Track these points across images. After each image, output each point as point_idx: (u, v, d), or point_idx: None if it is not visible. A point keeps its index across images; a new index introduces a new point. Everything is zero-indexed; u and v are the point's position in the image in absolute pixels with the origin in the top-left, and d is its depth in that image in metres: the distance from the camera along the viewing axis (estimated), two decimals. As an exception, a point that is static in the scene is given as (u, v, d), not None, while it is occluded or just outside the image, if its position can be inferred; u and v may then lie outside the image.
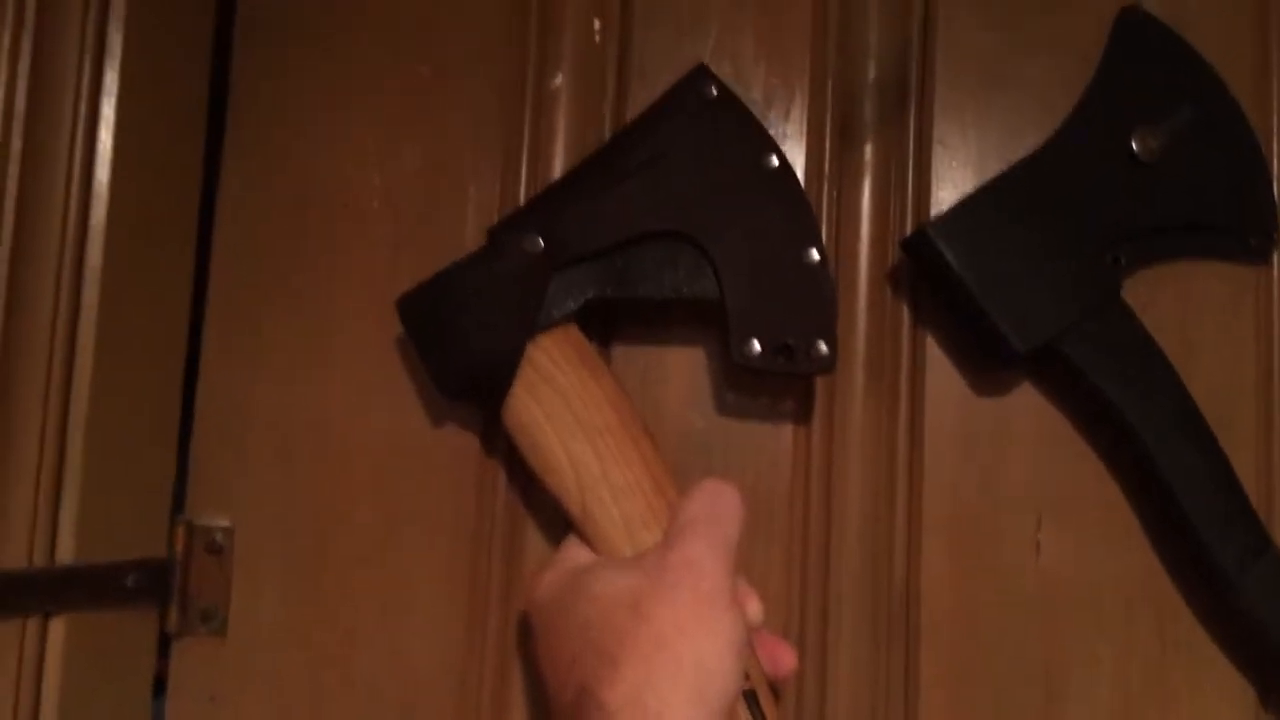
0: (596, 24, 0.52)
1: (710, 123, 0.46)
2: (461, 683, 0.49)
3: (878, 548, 0.49)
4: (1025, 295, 0.46)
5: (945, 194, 0.50)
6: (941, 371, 0.50)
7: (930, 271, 0.47)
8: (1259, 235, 0.49)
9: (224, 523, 0.51)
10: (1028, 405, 0.50)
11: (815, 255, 0.45)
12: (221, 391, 0.51)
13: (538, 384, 0.44)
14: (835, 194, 0.51)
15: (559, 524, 0.46)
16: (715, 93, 0.46)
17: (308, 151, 0.52)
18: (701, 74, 0.47)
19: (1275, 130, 0.51)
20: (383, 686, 0.49)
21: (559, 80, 0.51)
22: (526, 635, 0.47)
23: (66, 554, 0.45)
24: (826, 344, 0.44)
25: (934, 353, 0.50)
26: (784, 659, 0.44)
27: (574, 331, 0.45)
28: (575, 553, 0.43)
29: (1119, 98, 0.48)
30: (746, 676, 0.41)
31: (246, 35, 0.53)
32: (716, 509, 0.41)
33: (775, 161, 0.45)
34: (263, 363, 0.51)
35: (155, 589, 0.50)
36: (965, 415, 0.50)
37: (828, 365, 0.45)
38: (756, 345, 0.45)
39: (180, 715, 0.50)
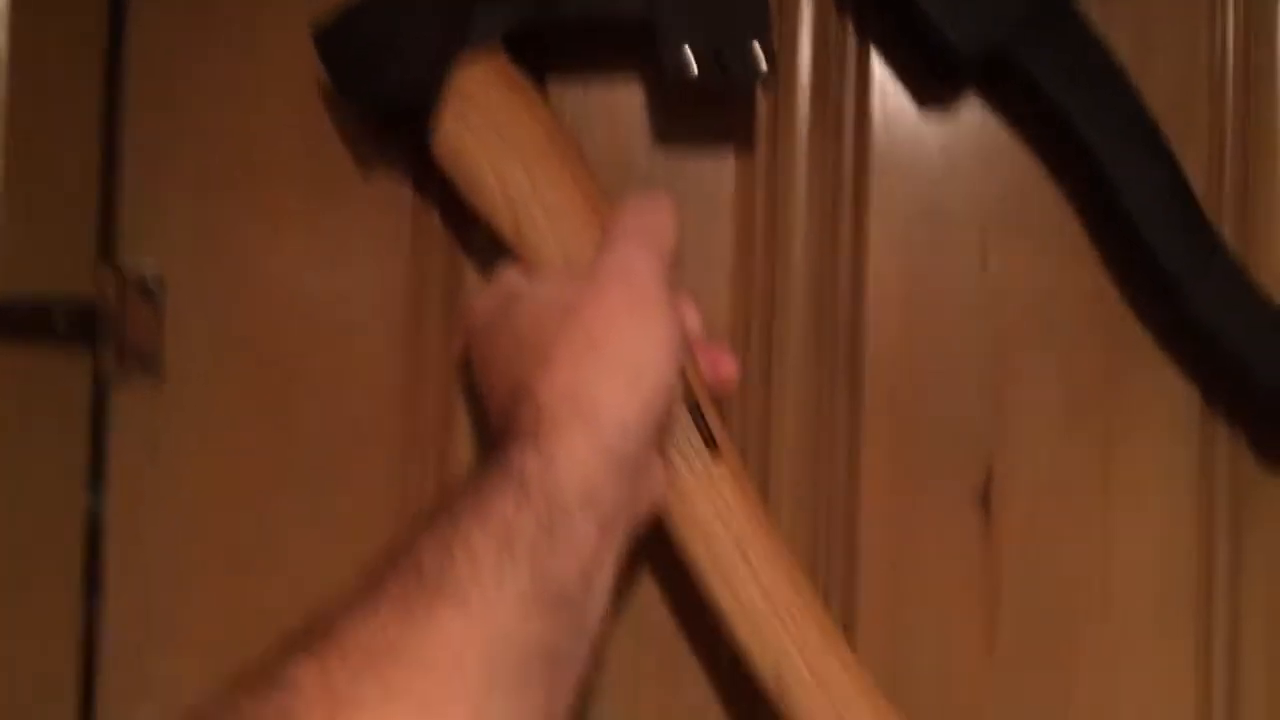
0: None
1: None
2: (403, 416, 0.49)
3: (823, 269, 0.48)
4: (971, -2, 0.44)
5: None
6: (888, 86, 0.48)
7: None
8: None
9: (154, 267, 0.49)
10: (976, 120, 0.48)
11: None
12: (145, 138, 0.49)
13: (465, 110, 0.42)
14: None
15: (497, 256, 0.45)
16: None
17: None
18: None
19: None
20: (323, 425, 0.49)
21: None
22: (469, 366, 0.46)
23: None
24: (763, 47, 0.43)
25: (880, 72, 0.49)
26: (725, 366, 0.43)
27: (500, 57, 0.44)
28: (510, 276, 0.43)
29: None
30: (687, 386, 0.41)
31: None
32: (649, 217, 0.40)
33: None
34: (187, 99, 0.49)
35: (87, 332, 0.49)
36: (912, 134, 0.48)
37: (765, 76, 0.43)
38: (690, 56, 0.43)
39: (123, 466, 0.49)
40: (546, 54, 0.48)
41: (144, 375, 0.49)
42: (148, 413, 0.49)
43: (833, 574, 0.48)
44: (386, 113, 0.45)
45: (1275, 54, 0.48)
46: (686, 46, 0.43)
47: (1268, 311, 0.46)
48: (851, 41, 0.49)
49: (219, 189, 0.49)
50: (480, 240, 0.47)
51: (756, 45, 0.43)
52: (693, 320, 0.42)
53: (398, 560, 0.31)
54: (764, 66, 0.43)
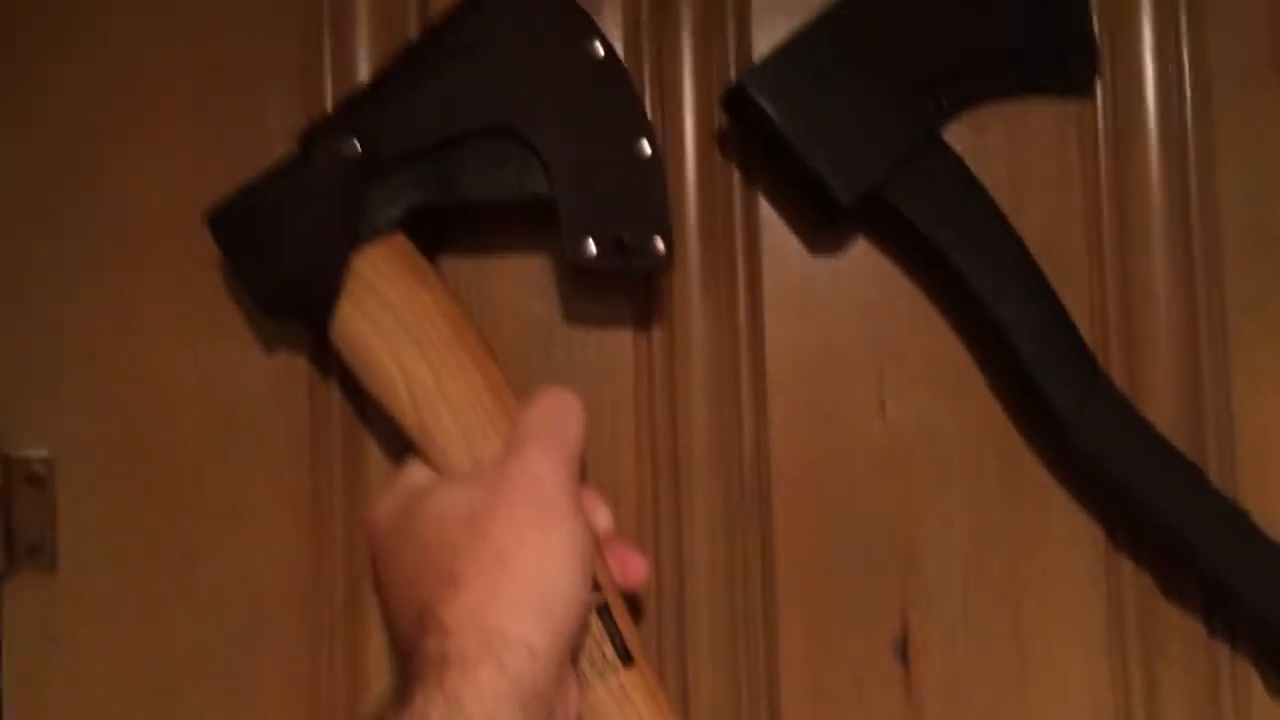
0: None
1: (530, 9, 0.43)
2: (310, 600, 0.47)
3: (725, 421, 0.48)
4: (847, 143, 0.45)
5: (768, 44, 0.48)
6: (777, 232, 0.49)
7: (752, 126, 0.46)
8: (1079, 68, 0.48)
9: (43, 452, 0.48)
10: (864, 260, 0.49)
11: (647, 148, 0.43)
12: (28, 316, 0.48)
13: (364, 298, 0.41)
14: (655, 51, 0.48)
15: (398, 435, 0.44)
16: None
17: (93, 55, 0.48)
18: None
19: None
20: (226, 610, 0.47)
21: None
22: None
23: None
24: (663, 239, 0.43)
25: (767, 214, 0.49)
26: (635, 567, 0.42)
27: (400, 240, 0.43)
28: (414, 474, 0.41)
29: (929, -71, 0.47)
30: (597, 587, 0.39)
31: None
32: (556, 417, 0.40)
33: (601, 50, 0.43)
34: (70, 281, 0.48)
35: (-26, 525, 0.47)
36: (803, 274, 0.49)
37: (664, 263, 0.43)
38: (591, 243, 0.43)
39: (16, 658, 0.47)
40: (441, 227, 0.47)
41: (35, 564, 0.48)
42: (42, 602, 0.47)
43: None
44: (283, 297, 0.43)
45: (1150, 190, 0.48)
46: (589, 237, 0.43)
47: (1155, 441, 0.46)
48: (738, 187, 0.49)
49: (107, 364, 0.48)
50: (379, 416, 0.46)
51: (658, 240, 0.43)
52: (603, 518, 0.41)
53: None
54: (664, 256, 0.43)
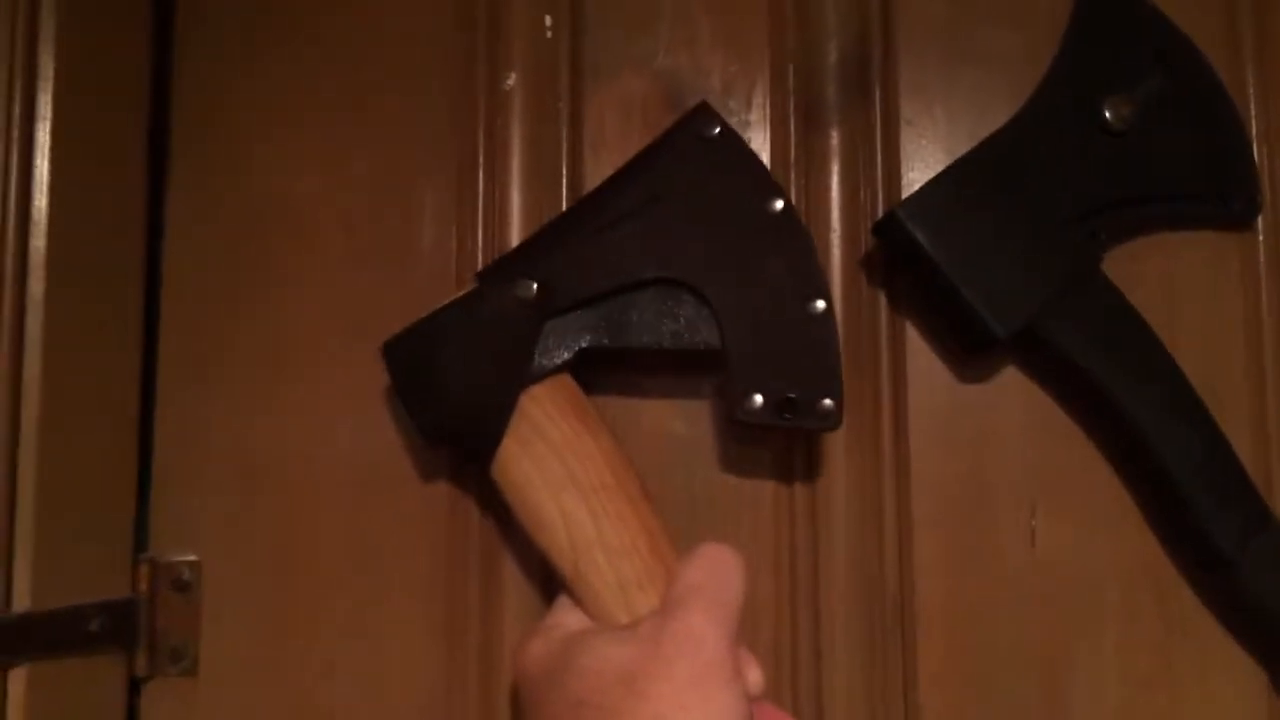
0: (548, 20, 0.50)
1: (710, 163, 0.44)
2: (446, 707, 0.47)
3: (866, 551, 0.47)
4: (1002, 275, 0.44)
5: (916, 175, 0.49)
6: (923, 359, 0.48)
7: (904, 255, 0.45)
8: (1241, 199, 0.48)
9: (190, 557, 0.49)
10: (1014, 388, 0.48)
11: (821, 305, 0.42)
12: (180, 422, 0.49)
13: (530, 437, 0.41)
14: (803, 181, 0.49)
15: (540, 563, 0.44)
16: (716, 131, 0.44)
17: (255, 169, 0.50)
18: (703, 111, 0.44)
19: (1250, 90, 0.49)
20: (362, 720, 0.48)
21: (512, 81, 0.50)
22: (515, 707, 0.45)
23: (23, 601, 0.44)
24: (832, 400, 0.42)
25: (914, 340, 0.48)
26: None
27: (567, 382, 0.43)
28: (566, 618, 0.41)
29: (1087, 66, 0.47)
30: None
31: (186, 53, 0.51)
32: (717, 575, 0.39)
33: (779, 205, 0.43)
34: (220, 390, 0.49)
35: (121, 631, 0.48)
36: (950, 403, 0.48)
37: (833, 422, 0.42)
38: (759, 400, 0.42)
39: (155, 760, 0.48)
40: (599, 370, 0.47)
41: (176, 669, 0.48)
42: (181, 709, 0.48)
43: None
44: (447, 430, 0.43)
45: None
46: (757, 394, 0.42)
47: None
48: (884, 315, 0.49)
49: (255, 470, 0.49)
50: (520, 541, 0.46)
51: (827, 400, 0.42)
52: (755, 679, 0.40)
53: None
54: (833, 421, 0.42)
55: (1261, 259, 0.48)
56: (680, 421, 0.48)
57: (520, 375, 0.42)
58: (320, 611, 0.48)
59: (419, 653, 0.48)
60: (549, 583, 0.46)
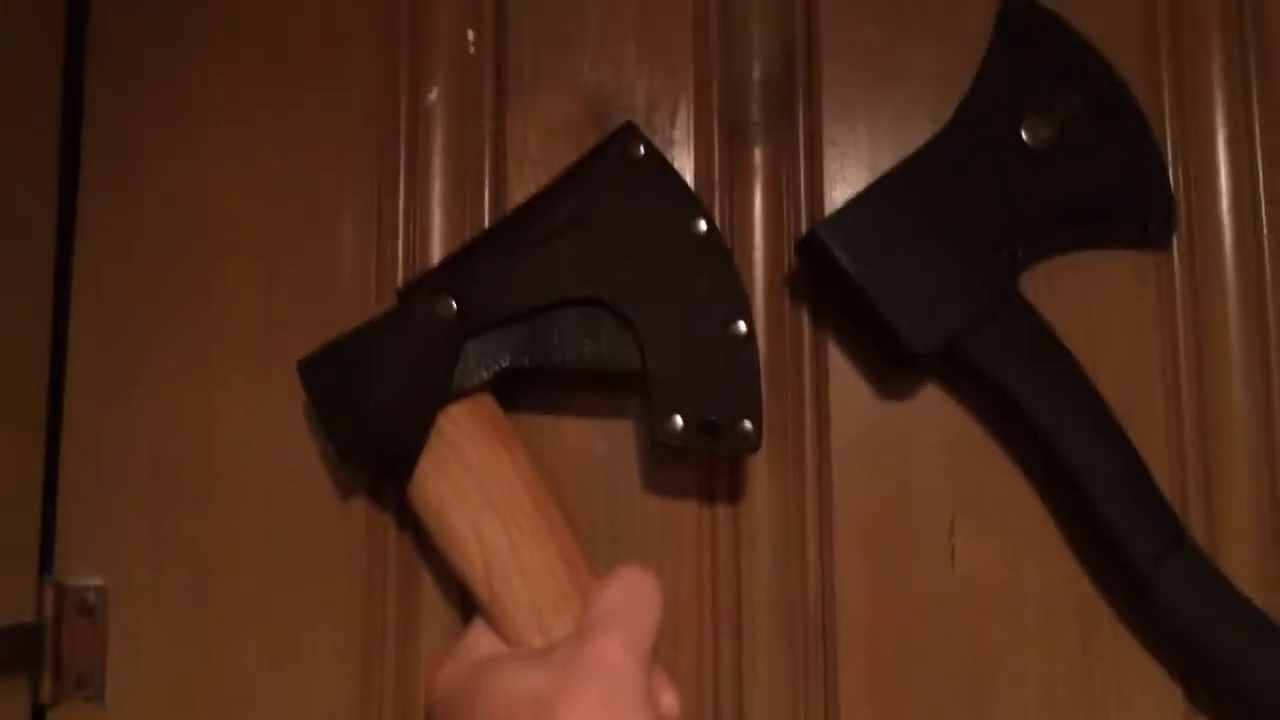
0: (470, 35, 0.50)
1: (635, 183, 0.43)
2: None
3: (789, 572, 0.47)
4: (922, 294, 0.44)
5: (839, 193, 0.49)
6: (846, 377, 0.48)
7: (826, 274, 0.45)
8: (1157, 220, 0.48)
9: (96, 581, 0.47)
10: (935, 407, 0.48)
11: (742, 327, 0.42)
12: (89, 438, 0.48)
13: (446, 458, 0.41)
14: (727, 199, 0.49)
15: (459, 588, 0.43)
16: (641, 151, 0.43)
17: (170, 178, 0.49)
18: (628, 131, 0.44)
19: (1167, 113, 0.50)
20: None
21: (434, 95, 0.49)
22: None
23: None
24: (752, 422, 0.42)
25: (836, 359, 0.48)
26: None
27: (487, 401, 0.43)
28: (479, 640, 0.40)
29: (1006, 87, 0.47)
30: None
31: (98, 65, 0.50)
32: (633, 599, 0.38)
33: (703, 226, 0.43)
34: (132, 406, 0.48)
35: (24, 656, 0.46)
36: (872, 421, 0.48)
37: (753, 445, 0.42)
38: (679, 422, 0.42)
39: (59, 791, 0.46)
40: (521, 387, 0.46)
41: (82, 695, 0.47)
42: (87, 735, 0.46)
43: None
44: (365, 449, 0.43)
45: (1229, 345, 0.48)
46: (677, 415, 0.42)
47: (1237, 600, 0.44)
48: (807, 334, 0.49)
49: (164, 494, 0.48)
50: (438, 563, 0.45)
51: (747, 423, 0.42)
52: (669, 704, 0.40)
53: None
54: (753, 444, 0.42)
55: (1178, 279, 0.49)
56: (603, 441, 0.48)
57: (438, 394, 0.41)
58: (232, 634, 0.47)
59: (335, 677, 0.46)
60: (468, 605, 0.45)
